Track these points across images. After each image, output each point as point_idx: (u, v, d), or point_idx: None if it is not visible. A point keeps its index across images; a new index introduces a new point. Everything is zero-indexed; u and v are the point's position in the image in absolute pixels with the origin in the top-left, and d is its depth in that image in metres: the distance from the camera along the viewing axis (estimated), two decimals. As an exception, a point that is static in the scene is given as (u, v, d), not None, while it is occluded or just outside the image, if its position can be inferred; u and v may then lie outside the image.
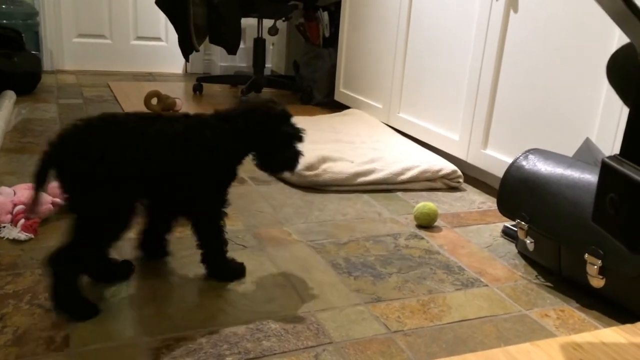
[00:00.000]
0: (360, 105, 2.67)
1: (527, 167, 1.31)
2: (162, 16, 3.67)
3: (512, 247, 1.45)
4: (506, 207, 1.35)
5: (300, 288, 1.16)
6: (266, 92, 3.36)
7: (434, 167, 1.86)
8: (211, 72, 3.88)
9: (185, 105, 2.81)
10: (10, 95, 2.50)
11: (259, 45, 3.09)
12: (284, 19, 3.16)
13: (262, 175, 1.86)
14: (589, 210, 1.15)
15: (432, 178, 1.86)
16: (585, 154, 1.36)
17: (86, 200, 0.97)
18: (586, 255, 1.14)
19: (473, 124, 1.90)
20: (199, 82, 3.14)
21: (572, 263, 1.22)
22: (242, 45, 3.70)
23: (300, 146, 1.17)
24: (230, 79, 3.35)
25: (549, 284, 1.27)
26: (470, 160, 1.93)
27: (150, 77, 3.60)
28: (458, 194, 1.84)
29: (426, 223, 1.53)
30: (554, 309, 1.17)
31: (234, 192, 1.68)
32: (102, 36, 3.64)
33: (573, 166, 1.24)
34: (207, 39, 2.90)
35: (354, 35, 2.73)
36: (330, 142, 2.12)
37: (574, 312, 1.16)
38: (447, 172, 1.87)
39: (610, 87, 1.43)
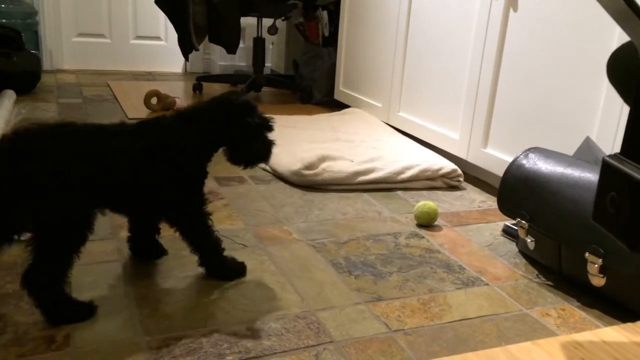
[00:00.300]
0: (360, 104, 2.67)
1: (527, 165, 1.31)
2: (161, 15, 3.66)
3: (512, 246, 1.45)
4: (506, 206, 1.35)
5: (300, 287, 1.16)
6: (266, 91, 3.36)
7: (434, 166, 1.86)
8: (211, 72, 3.87)
9: (185, 104, 2.80)
10: (10, 95, 2.50)
11: (259, 44, 3.09)
12: (283, 18, 3.16)
13: (262, 174, 1.86)
14: (589, 209, 1.15)
15: (432, 177, 1.86)
16: (586, 152, 1.36)
17: (24, 208, 0.92)
18: (587, 254, 1.14)
19: (473, 122, 1.90)
20: (199, 82, 3.14)
21: (572, 262, 1.22)
22: (241, 45, 3.69)
23: (270, 135, 1.14)
24: (229, 78, 3.34)
25: (549, 282, 1.27)
26: (470, 159, 1.93)
27: (149, 76, 3.60)
28: (458, 192, 1.84)
29: (426, 222, 1.53)
30: (555, 307, 1.17)
31: (234, 191, 1.68)
32: (101, 35, 3.63)
33: (573, 165, 1.24)
34: (206, 38, 2.90)
35: (353, 34, 2.73)
36: (330, 141, 2.12)
37: (574, 311, 1.16)
38: (447, 171, 1.87)
39: (610, 85, 1.42)
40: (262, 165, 1.92)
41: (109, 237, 1.32)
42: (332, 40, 3.03)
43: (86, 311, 1.01)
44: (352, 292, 1.16)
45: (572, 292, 1.23)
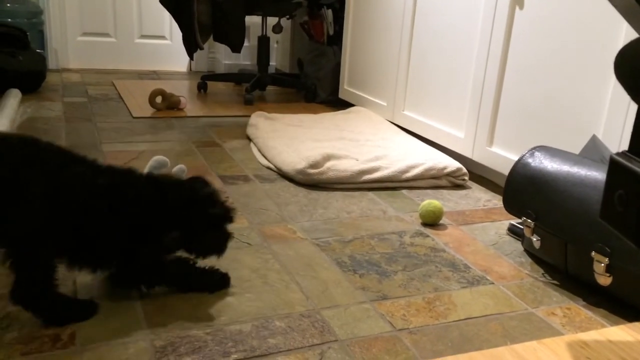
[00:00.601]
0: (365, 103, 2.67)
1: (533, 164, 1.31)
2: (166, 14, 3.67)
3: (518, 245, 1.44)
4: (512, 205, 1.34)
5: (305, 286, 1.16)
6: (270, 90, 3.36)
7: (439, 165, 1.86)
8: (215, 70, 3.88)
9: (190, 103, 2.81)
10: (16, 94, 2.51)
11: (263, 43, 3.09)
12: (288, 17, 3.16)
13: (267, 173, 1.86)
14: (595, 207, 1.14)
15: (437, 176, 1.85)
16: (592, 151, 1.35)
17: None
18: (593, 253, 1.13)
19: (478, 121, 1.89)
20: (204, 80, 3.14)
21: (578, 261, 1.21)
22: (246, 44, 3.69)
23: (229, 227, 1.11)
24: (234, 77, 3.35)
25: (555, 281, 1.26)
26: (475, 158, 1.92)
27: (154, 75, 3.60)
28: (463, 191, 1.84)
29: (431, 221, 1.53)
30: (561, 307, 1.16)
31: (239, 190, 1.68)
32: (106, 35, 3.64)
33: (580, 163, 1.23)
34: (211, 37, 2.90)
35: (358, 33, 2.73)
36: (335, 140, 2.12)
37: (580, 310, 1.15)
38: (452, 169, 1.86)
39: (616, 83, 1.42)
40: (267, 163, 1.92)
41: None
42: (336, 39, 3.03)
43: (87, 309, 1.00)
44: (356, 290, 1.16)
45: (578, 291, 1.23)
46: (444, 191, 1.83)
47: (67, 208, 0.94)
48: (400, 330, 1.03)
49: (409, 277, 1.23)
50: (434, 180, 1.85)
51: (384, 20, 2.49)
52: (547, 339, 1.03)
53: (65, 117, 2.36)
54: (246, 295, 1.11)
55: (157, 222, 1.04)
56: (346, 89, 2.87)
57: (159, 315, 1.02)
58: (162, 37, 3.78)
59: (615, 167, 0.55)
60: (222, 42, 2.89)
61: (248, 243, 1.34)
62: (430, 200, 1.54)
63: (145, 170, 1.50)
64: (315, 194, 1.70)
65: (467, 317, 1.09)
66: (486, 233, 1.51)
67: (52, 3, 3.38)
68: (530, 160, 1.32)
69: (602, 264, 1.12)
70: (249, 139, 2.23)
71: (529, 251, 1.39)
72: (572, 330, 1.08)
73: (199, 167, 1.85)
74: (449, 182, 1.87)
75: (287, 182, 1.78)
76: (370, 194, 1.74)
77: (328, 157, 1.83)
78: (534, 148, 1.34)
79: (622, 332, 1.07)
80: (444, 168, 1.86)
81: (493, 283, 1.24)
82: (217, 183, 1.72)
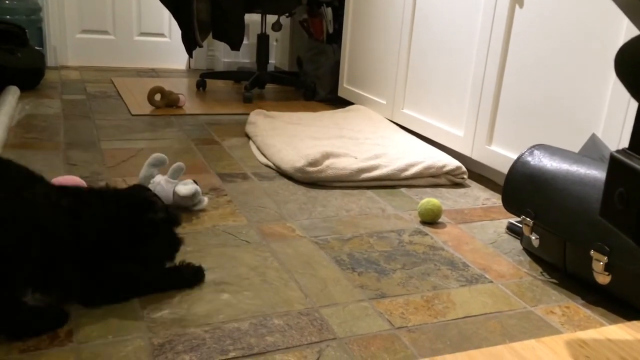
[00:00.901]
0: (364, 102, 2.67)
1: (532, 162, 1.31)
2: (165, 12, 3.66)
3: (516, 244, 1.44)
4: (511, 203, 1.34)
5: (303, 284, 1.16)
6: (269, 88, 3.36)
7: (438, 163, 1.86)
8: (214, 68, 3.87)
9: (189, 101, 2.80)
10: (14, 91, 2.50)
11: (263, 41, 3.08)
12: (287, 15, 3.15)
13: (266, 171, 1.86)
14: (595, 206, 1.14)
15: (436, 174, 1.85)
16: (592, 149, 1.35)
17: None
18: (592, 252, 1.13)
19: (477, 119, 1.89)
20: (203, 78, 3.14)
21: (577, 259, 1.21)
22: (245, 41, 3.68)
23: (177, 230, 1.10)
24: (233, 75, 3.34)
25: (554, 280, 1.26)
26: (474, 157, 1.92)
27: (153, 73, 3.60)
28: (462, 190, 1.84)
29: (430, 219, 1.52)
30: (559, 305, 1.16)
31: (237, 188, 1.68)
32: (105, 32, 3.63)
33: (579, 162, 1.23)
34: (210, 35, 2.89)
35: (357, 31, 2.72)
36: (334, 138, 2.11)
37: (579, 308, 1.15)
38: (451, 168, 1.86)
39: (616, 82, 1.42)
40: (266, 161, 1.92)
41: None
42: (336, 37, 3.03)
43: (55, 319, 0.96)
44: (355, 289, 1.16)
45: (576, 289, 1.22)
46: (443, 189, 1.82)
47: (35, 230, 0.91)
48: (398, 328, 1.03)
49: (407, 276, 1.23)
50: (433, 179, 1.85)
51: (383, 18, 2.48)
52: (545, 338, 1.03)
53: (64, 115, 2.36)
54: (244, 293, 1.11)
55: (114, 236, 1.03)
56: (345, 87, 2.87)
57: (156, 312, 1.02)
58: (161, 35, 3.77)
59: (615, 165, 0.54)
60: (221, 40, 2.88)
61: (247, 241, 1.33)
62: (429, 199, 1.54)
63: (144, 168, 1.50)
64: (314, 192, 1.70)
65: (466, 316, 1.09)
66: (485, 231, 1.51)
67: (50, 0, 3.38)
68: (529, 158, 1.32)
69: (601, 263, 1.12)
70: (248, 137, 2.23)
71: (528, 250, 1.39)
72: (571, 329, 1.07)
73: (197, 165, 1.85)
74: (448, 180, 1.87)
75: (286, 180, 1.78)
76: (369, 192, 1.74)
77: (327, 155, 1.83)
78: (534, 146, 1.34)
79: (620, 331, 1.07)
80: (443, 166, 1.85)
81: (492, 281, 1.24)
82: (216, 181, 1.72)
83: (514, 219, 1.52)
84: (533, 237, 1.29)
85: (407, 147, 2.04)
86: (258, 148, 2.06)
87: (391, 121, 2.41)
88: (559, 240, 1.24)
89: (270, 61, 3.61)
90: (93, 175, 1.67)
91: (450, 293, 1.17)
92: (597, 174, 1.18)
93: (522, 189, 1.30)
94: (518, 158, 1.34)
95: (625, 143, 1.42)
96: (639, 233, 0.51)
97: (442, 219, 1.57)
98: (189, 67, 3.87)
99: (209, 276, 1.16)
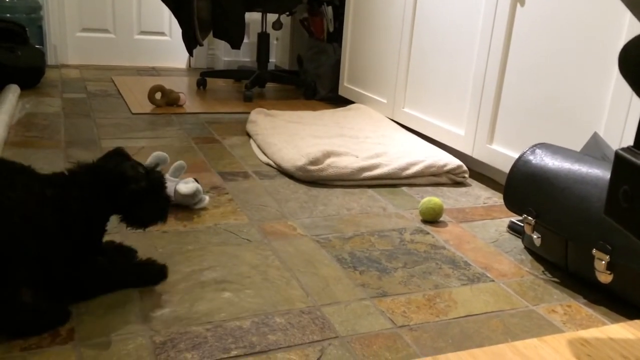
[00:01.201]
0: (365, 100, 2.66)
1: (534, 161, 1.30)
2: (165, 11, 3.66)
3: (518, 243, 1.44)
4: (513, 202, 1.34)
5: (305, 282, 1.16)
6: (270, 86, 3.35)
7: (439, 162, 1.85)
8: (215, 67, 3.87)
9: (190, 100, 2.80)
10: (14, 89, 2.50)
11: (263, 39, 3.08)
12: (288, 13, 3.15)
13: (267, 170, 1.85)
14: (597, 205, 1.14)
15: (437, 173, 1.85)
16: (593, 148, 1.35)
17: None
18: (594, 251, 1.13)
19: (479, 118, 1.89)
20: (203, 77, 3.14)
21: (579, 258, 1.21)
22: (246, 40, 3.68)
23: (163, 193, 1.09)
24: (234, 74, 3.34)
25: (555, 279, 1.26)
26: (475, 156, 1.92)
27: (153, 71, 3.59)
28: (463, 189, 1.83)
29: (431, 218, 1.52)
30: (561, 304, 1.16)
31: (238, 186, 1.68)
32: (105, 30, 3.63)
33: (581, 161, 1.23)
34: (211, 34, 2.89)
35: (358, 29, 2.72)
36: (335, 137, 2.11)
37: (581, 307, 1.15)
38: (453, 167, 1.86)
39: (618, 81, 1.41)
40: (267, 160, 1.92)
41: (114, 230, 1.32)
42: (336, 36, 3.02)
43: (56, 318, 0.96)
44: (357, 287, 1.16)
45: (578, 288, 1.22)
46: (444, 188, 1.82)
47: (25, 224, 0.91)
48: (400, 327, 1.03)
49: (409, 274, 1.23)
50: (434, 178, 1.85)
51: (384, 17, 2.48)
52: (547, 337, 1.03)
53: (64, 113, 2.36)
54: (246, 292, 1.10)
55: (101, 219, 1.04)
56: (346, 86, 2.87)
57: (158, 311, 1.02)
58: (162, 34, 3.77)
59: (620, 163, 0.54)
60: (221, 39, 2.88)
61: (248, 239, 1.33)
62: (431, 198, 1.53)
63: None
64: (315, 191, 1.70)
65: (468, 314, 1.09)
66: (486, 230, 1.50)
67: (51, -2, 3.37)
68: (531, 157, 1.32)
69: (603, 262, 1.12)
70: (249, 136, 2.22)
71: (530, 249, 1.39)
72: (573, 328, 1.07)
73: (198, 164, 1.85)
74: (449, 179, 1.87)
75: (286, 179, 1.78)
76: (370, 191, 1.74)
77: (328, 154, 1.83)
78: (535, 145, 1.34)
79: (622, 330, 1.07)
80: (444, 165, 1.85)
81: (493, 280, 1.23)
82: (216, 179, 1.72)
83: (515, 218, 1.52)
84: (535, 236, 1.29)
85: (408, 146, 2.04)
86: (259, 147, 2.05)
87: (392, 120, 2.41)
88: (560, 239, 1.24)
89: (270, 60, 3.61)
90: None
91: (452, 292, 1.17)
92: (599, 172, 1.17)
93: (524, 188, 1.30)
94: (520, 157, 1.34)
95: (627, 142, 1.41)
96: (645, 231, 0.50)
97: (444, 217, 1.56)
98: (190, 65, 3.87)
99: (210, 274, 1.16)
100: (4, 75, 2.60)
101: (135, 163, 1.07)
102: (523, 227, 1.33)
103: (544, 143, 1.35)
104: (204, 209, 1.49)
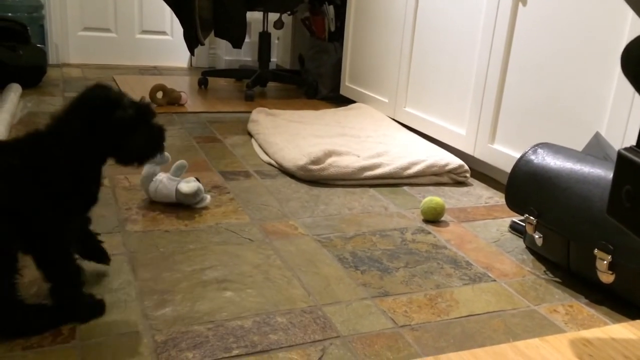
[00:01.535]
0: (366, 100, 2.66)
1: (536, 161, 1.30)
2: (167, 10, 3.66)
3: (519, 242, 1.44)
4: (514, 202, 1.34)
5: (306, 282, 1.16)
6: (271, 86, 3.35)
7: (440, 162, 1.85)
8: (216, 66, 3.87)
9: (191, 99, 2.80)
10: (16, 88, 2.50)
11: (264, 39, 3.08)
12: (289, 12, 3.15)
13: (268, 169, 1.85)
14: (599, 205, 1.14)
15: (438, 172, 1.85)
16: (595, 148, 1.35)
17: None
18: (596, 251, 1.13)
19: (480, 118, 1.89)
20: (204, 76, 3.13)
21: (581, 258, 1.21)
22: (247, 39, 3.68)
23: (154, 121, 0.99)
24: (235, 73, 3.34)
25: (557, 279, 1.26)
26: (477, 155, 1.92)
27: (155, 70, 3.59)
28: (465, 188, 1.83)
29: (433, 217, 1.52)
30: (563, 304, 1.16)
31: (240, 186, 1.68)
32: (107, 30, 3.63)
33: (583, 160, 1.23)
34: (212, 33, 2.89)
35: (359, 29, 2.72)
36: (336, 137, 2.11)
37: (583, 307, 1.15)
38: (454, 166, 1.86)
39: (620, 80, 1.41)
40: (268, 159, 1.92)
41: (115, 230, 1.32)
42: (338, 35, 3.02)
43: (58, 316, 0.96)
44: (358, 287, 1.16)
45: (580, 288, 1.22)
46: (446, 188, 1.82)
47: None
48: (402, 326, 1.03)
49: (410, 274, 1.23)
50: (435, 177, 1.85)
51: (385, 16, 2.48)
52: (549, 337, 1.03)
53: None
54: (247, 291, 1.10)
55: (79, 164, 0.94)
56: (347, 85, 2.87)
57: (159, 310, 1.02)
58: (163, 33, 3.77)
59: (622, 162, 0.54)
60: (223, 38, 2.88)
61: (249, 239, 1.33)
62: (432, 197, 1.53)
63: (147, 165, 1.50)
64: (316, 190, 1.70)
65: (469, 314, 1.09)
66: (488, 230, 1.50)
67: (52, -2, 3.37)
68: (533, 157, 1.32)
69: (605, 262, 1.11)
70: (250, 135, 2.22)
71: (531, 248, 1.39)
72: (575, 328, 1.07)
73: (199, 163, 1.85)
74: (451, 179, 1.87)
75: (288, 178, 1.78)
76: (372, 191, 1.74)
77: (329, 154, 1.83)
78: (537, 145, 1.34)
79: (624, 330, 1.07)
80: (446, 165, 1.85)
81: (495, 280, 1.23)
82: (218, 179, 1.72)
83: (517, 218, 1.51)
84: (536, 236, 1.28)
85: (409, 146, 2.04)
86: (260, 146, 2.05)
87: (393, 119, 2.41)
88: (562, 239, 1.24)
89: (272, 59, 3.61)
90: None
91: (454, 291, 1.17)
92: (601, 172, 1.17)
93: (526, 188, 1.30)
94: (521, 156, 1.34)
95: (629, 141, 1.41)
96: (647, 231, 0.50)
97: (445, 217, 1.56)
98: (191, 65, 3.87)
99: (212, 274, 1.16)
100: (6, 74, 2.60)
101: (120, 92, 0.96)
102: (525, 226, 1.33)
103: (545, 143, 1.35)
104: (205, 208, 1.49)
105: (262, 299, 1.08)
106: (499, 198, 1.76)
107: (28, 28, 2.82)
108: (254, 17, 3.67)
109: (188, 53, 3.73)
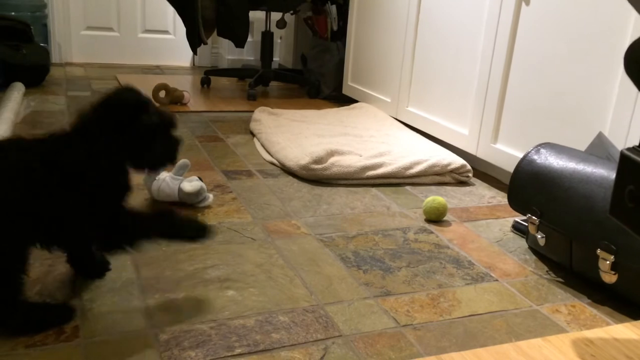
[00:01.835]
0: (369, 99, 2.66)
1: (538, 161, 1.30)
2: (170, 9, 3.66)
3: (522, 242, 1.44)
4: (517, 202, 1.34)
5: (309, 281, 1.16)
6: (274, 85, 3.35)
7: (443, 161, 1.85)
8: (219, 66, 3.87)
9: (193, 98, 2.80)
10: (19, 87, 2.51)
11: (267, 38, 3.08)
12: (292, 12, 3.15)
13: (271, 168, 1.86)
14: (601, 205, 1.13)
15: (441, 172, 1.85)
16: (598, 148, 1.34)
17: None
18: (598, 251, 1.13)
19: (483, 118, 1.89)
20: (207, 76, 3.14)
21: (583, 258, 1.21)
22: (250, 39, 3.69)
23: (173, 133, 1.01)
24: (237, 73, 3.34)
25: (560, 279, 1.26)
26: (479, 155, 1.91)
27: (158, 70, 3.60)
28: (467, 188, 1.83)
29: (435, 217, 1.52)
30: (565, 304, 1.15)
31: (242, 185, 1.68)
32: (110, 29, 3.64)
33: (586, 160, 1.23)
34: (215, 32, 2.89)
35: (362, 28, 2.72)
36: (339, 136, 2.11)
37: (585, 307, 1.15)
38: (456, 166, 1.86)
39: (623, 80, 1.41)
40: (270, 159, 1.92)
41: (117, 229, 1.32)
42: (340, 35, 3.02)
43: (61, 315, 0.96)
44: (360, 286, 1.16)
45: (582, 288, 1.22)
46: (448, 188, 1.82)
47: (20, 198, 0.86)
48: (404, 326, 1.03)
49: (413, 274, 1.23)
50: (437, 177, 1.85)
51: (388, 16, 2.48)
52: (551, 337, 1.03)
53: (69, 111, 2.36)
54: (250, 290, 1.11)
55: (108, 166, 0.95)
56: (350, 85, 2.87)
57: (162, 309, 1.02)
58: (166, 32, 3.77)
59: (625, 162, 0.54)
60: (225, 37, 2.88)
61: (252, 238, 1.33)
62: (434, 197, 1.53)
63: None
64: (318, 190, 1.70)
65: (472, 314, 1.09)
66: (490, 230, 1.50)
67: (55, -3, 3.38)
68: (535, 157, 1.32)
69: (608, 262, 1.11)
70: (252, 134, 2.23)
71: (534, 248, 1.39)
72: (577, 328, 1.07)
73: (202, 162, 1.85)
74: (453, 178, 1.87)
75: (290, 178, 1.78)
76: (374, 190, 1.74)
77: (332, 153, 1.83)
78: (540, 145, 1.34)
79: (627, 330, 1.07)
80: (448, 164, 1.85)
81: (497, 280, 1.23)
82: (220, 178, 1.72)
83: (519, 218, 1.51)
84: (539, 236, 1.28)
85: (411, 145, 2.04)
86: (262, 145, 2.05)
87: (396, 119, 2.41)
88: (565, 239, 1.23)
89: (274, 59, 3.61)
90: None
91: (456, 291, 1.17)
92: (604, 172, 1.17)
93: (528, 188, 1.30)
94: (524, 156, 1.34)
95: (632, 142, 1.41)
96: (650, 231, 0.50)
97: (447, 217, 1.56)
98: (194, 64, 3.87)
99: (214, 273, 1.16)
100: (9, 73, 2.61)
101: (147, 96, 1.00)
102: (527, 226, 1.33)
103: (548, 142, 1.34)
104: (207, 207, 1.49)
105: (264, 298, 1.08)
106: (501, 198, 1.76)
107: (31, 27, 2.83)
108: (256, 16, 3.67)
109: (191, 52, 3.74)
